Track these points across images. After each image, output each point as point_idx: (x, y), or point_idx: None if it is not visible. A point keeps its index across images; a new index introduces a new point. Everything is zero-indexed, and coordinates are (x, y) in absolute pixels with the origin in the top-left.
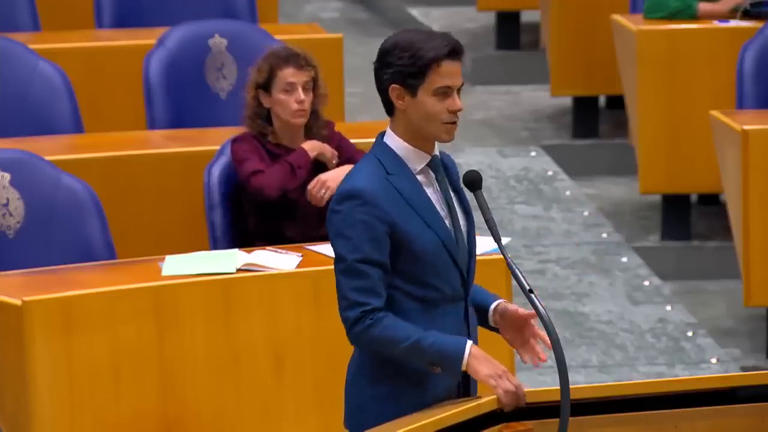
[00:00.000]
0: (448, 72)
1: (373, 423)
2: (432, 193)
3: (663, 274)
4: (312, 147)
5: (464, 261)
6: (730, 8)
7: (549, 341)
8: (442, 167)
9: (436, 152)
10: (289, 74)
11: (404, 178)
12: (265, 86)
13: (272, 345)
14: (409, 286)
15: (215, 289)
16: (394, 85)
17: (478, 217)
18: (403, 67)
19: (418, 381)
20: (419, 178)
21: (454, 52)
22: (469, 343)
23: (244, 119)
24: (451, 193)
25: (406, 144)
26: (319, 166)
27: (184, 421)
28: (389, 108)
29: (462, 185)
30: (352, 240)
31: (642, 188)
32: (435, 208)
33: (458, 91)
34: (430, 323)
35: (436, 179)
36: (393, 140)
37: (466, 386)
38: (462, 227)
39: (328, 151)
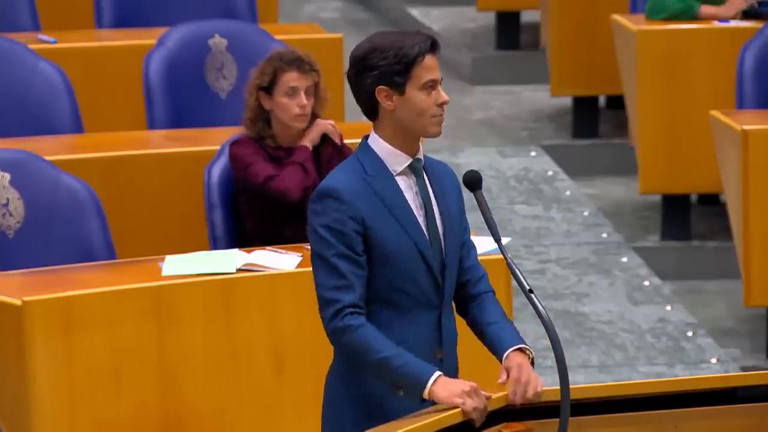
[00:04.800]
0: (432, 66)
1: (348, 425)
2: (411, 196)
3: (663, 274)
4: (309, 140)
5: (439, 268)
6: (734, 13)
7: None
8: (423, 171)
9: (420, 155)
10: (292, 78)
11: (383, 179)
12: (267, 89)
13: (272, 345)
14: (381, 290)
15: (215, 289)
16: (380, 87)
17: (477, 218)
18: (388, 67)
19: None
20: (399, 180)
21: (435, 45)
22: (437, 374)
23: (243, 121)
24: (433, 199)
25: (389, 146)
26: (319, 160)
27: (184, 420)
28: (372, 112)
29: (454, 191)
30: (327, 237)
31: (642, 188)
32: (412, 211)
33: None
34: (400, 330)
35: (417, 182)
36: (376, 142)
37: None
38: (440, 234)
39: (321, 130)
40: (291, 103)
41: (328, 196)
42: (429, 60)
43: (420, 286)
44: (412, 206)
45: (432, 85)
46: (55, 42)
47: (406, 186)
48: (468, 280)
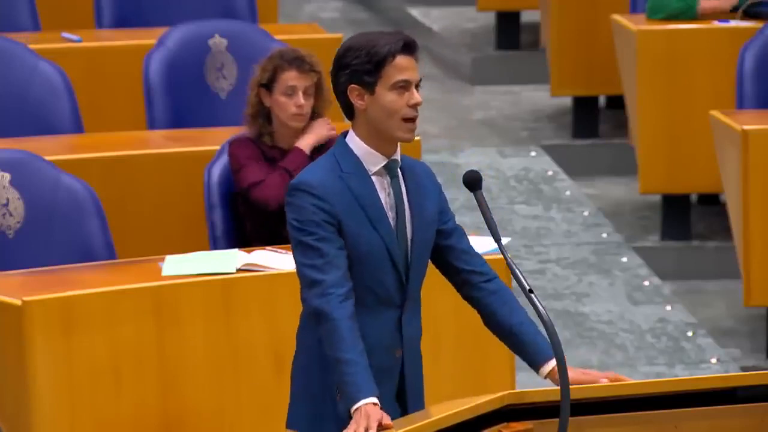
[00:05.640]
0: (404, 66)
1: (309, 422)
2: (383, 196)
3: (663, 274)
4: (307, 144)
5: (404, 268)
6: (731, 4)
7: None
8: (399, 172)
9: (397, 156)
10: (291, 77)
11: (358, 177)
12: (268, 86)
13: (272, 345)
14: (353, 287)
15: (215, 289)
16: (352, 86)
17: (477, 218)
18: (359, 66)
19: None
20: (374, 179)
21: (408, 46)
22: (369, 400)
23: (244, 117)
24: (406, 201)
25: (365, 145)
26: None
27: (184, 420)
28: (349, 111)
29: (433, 192)
30: (304, 226)
31: (642, 188)
32: (384, 210)
33: (416, 86)
34: (362, 327)
35: (391, 183)
36: (353, 140)
37: (402, 401)
38: (408, 235)
39: (320, 139)
40: (288, 102)
41: (301, 189)
42: (401, 60)
43: (384, 284)
44: (384, 206)
45: (404, 86)
46: (80, 41)
47: (380, 186)
48: (467, 264)
